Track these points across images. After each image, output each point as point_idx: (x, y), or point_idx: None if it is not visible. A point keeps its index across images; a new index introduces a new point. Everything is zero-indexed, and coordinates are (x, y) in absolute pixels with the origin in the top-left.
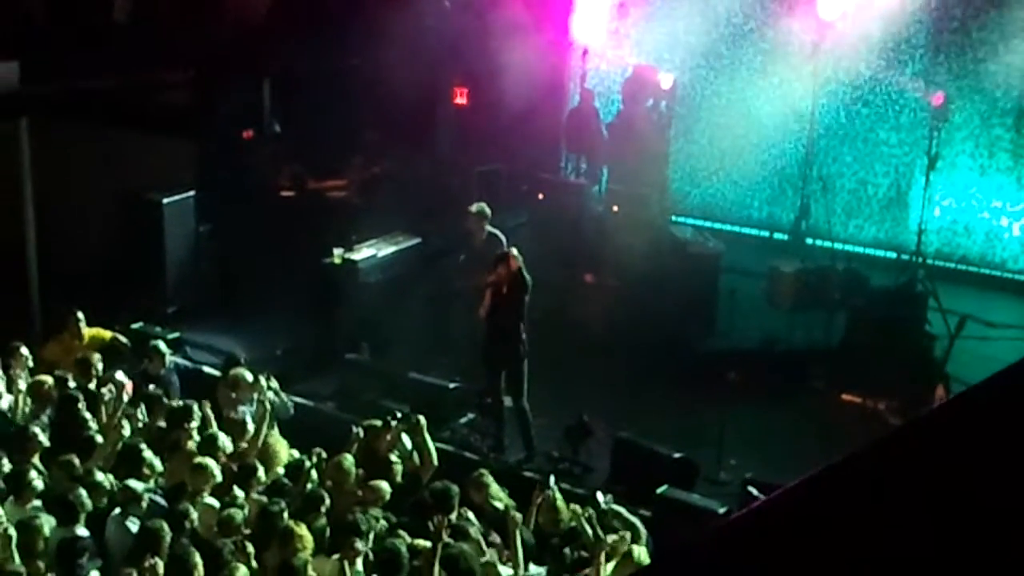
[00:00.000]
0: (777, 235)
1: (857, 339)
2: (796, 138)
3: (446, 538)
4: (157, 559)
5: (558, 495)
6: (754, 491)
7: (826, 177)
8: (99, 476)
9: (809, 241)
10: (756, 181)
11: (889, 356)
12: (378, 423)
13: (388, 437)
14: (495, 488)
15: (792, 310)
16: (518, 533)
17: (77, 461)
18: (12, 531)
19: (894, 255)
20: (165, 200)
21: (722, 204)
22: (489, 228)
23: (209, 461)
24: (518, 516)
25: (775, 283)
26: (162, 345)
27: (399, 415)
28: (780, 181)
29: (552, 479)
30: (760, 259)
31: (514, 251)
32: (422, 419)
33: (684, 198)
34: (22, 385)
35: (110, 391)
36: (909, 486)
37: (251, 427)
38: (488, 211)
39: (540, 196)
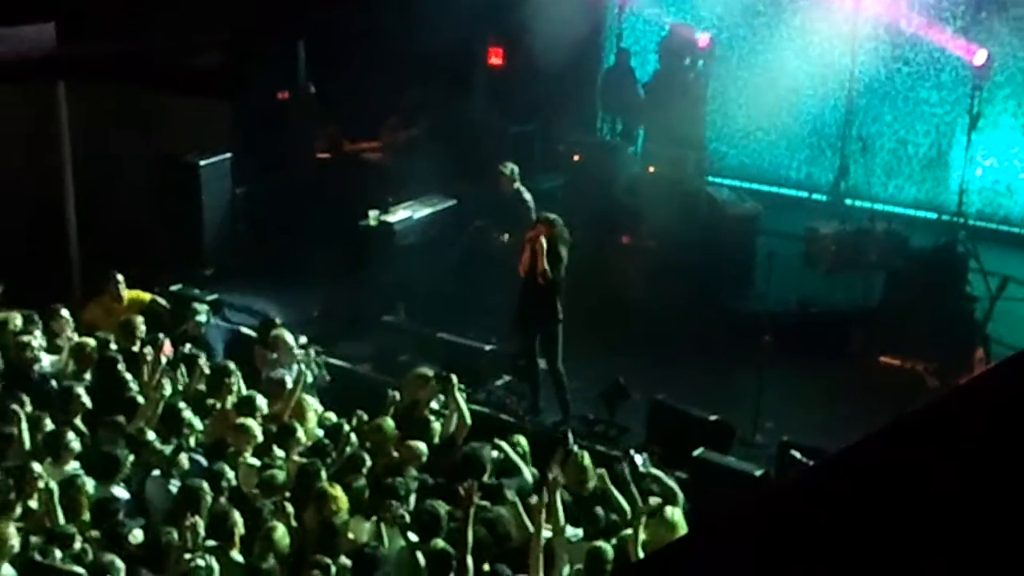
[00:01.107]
0: (815, 196)
1: (896, 301)
2: (835, 97)
3: (479, 501)
4: (197, 518)
5: (586, 457)
6: (796, 455)
7: (866, 137)
8: (146, 436)
9: (848, 202)
10: (794, 141)
11: (929, 318)
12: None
13: (426, 393)
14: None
15: (830, 272)
16: (557, 495)
17: (123, 420)
18: (54, 485)
19: (934, 216)
20: (202, 162)
21: (760, 164)
22: (521, 188)
23: (250, 421)
24: (560, 477)
25: (813, 244)
26: (201, 307)
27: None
28: (819, 141)
29: (571, 438)
30: (798, 220)
31: (551, 215)
32: (454, 378)
33: (721, 158)
34: (64, 346)
35: (151, 353)
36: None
37: (290, 386)
38: (517, 170)
39: (575, 157)
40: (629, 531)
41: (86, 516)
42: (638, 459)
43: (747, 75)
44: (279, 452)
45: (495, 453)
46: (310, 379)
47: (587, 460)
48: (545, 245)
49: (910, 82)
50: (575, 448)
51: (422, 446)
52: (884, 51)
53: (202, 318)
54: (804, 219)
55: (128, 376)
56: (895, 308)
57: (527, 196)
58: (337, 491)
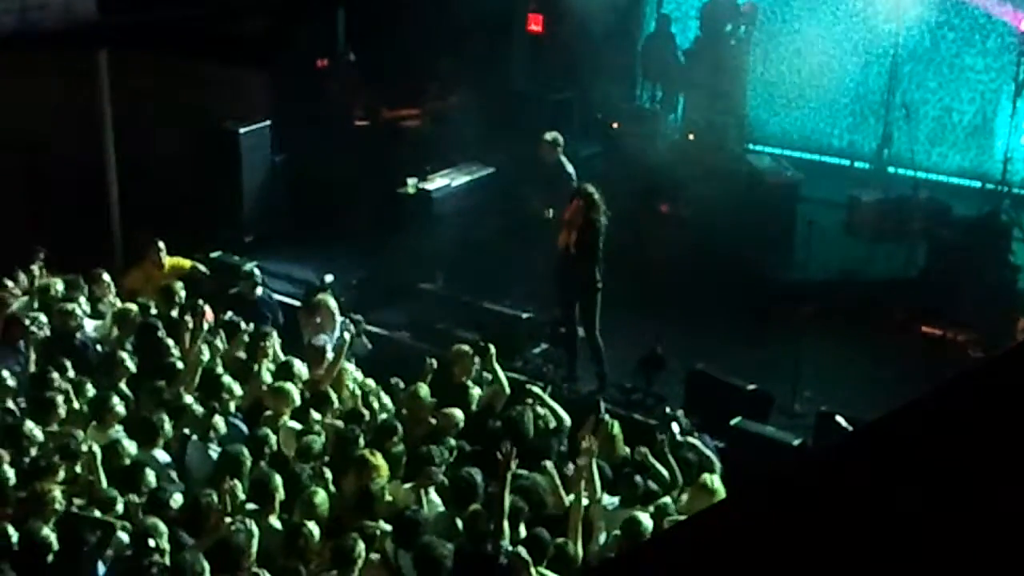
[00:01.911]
0: (858, 164)
1: (938, 270)
2: (879, 64)
3: (515, 468)
4: (236, 481)
5: (615, 425)
6: (841, 422)
7: (909, 104)
8: (185, 400)
9: (891, 170)
10: (837, 108)
11: (971, 287)
12: (452, 352)
13: (462, 366)
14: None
15: (872, 240)
16: (593, 463)
17: (163, 386)
18: (97, 450)
19: (978, 184)
20: (241, 130)
21: (801, 132)
22: (562, 157)
23: (288, 385)
24: (595, 446)
25: (855, 213)
26: (254, 269)
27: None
28: (862, 108)
29: (603, 407)
30: (840, 188)
31: (590, 187)
32: (492, 348)
33: (762, 126)
34: (107, 312)
35: (190, 318)
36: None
37: (330, 355)
38: (561, 139)
39: (614, 125)
40: (667, 499)
41: (127, 480)
42: (675, 426)
43: (790, 41)
44: (316, 416)
45: (528, 401)
46: (350, 346)
47: (616, 429)
48: (582, 218)
49: (955, 48)
50: (606, 417)
51: (459, 414)
52: (929, 17)
53: (256, 279)
54: (846, 187)
55: (169, 342)
56: (937, 277)
57: (568, 166)
58: (378, 459)
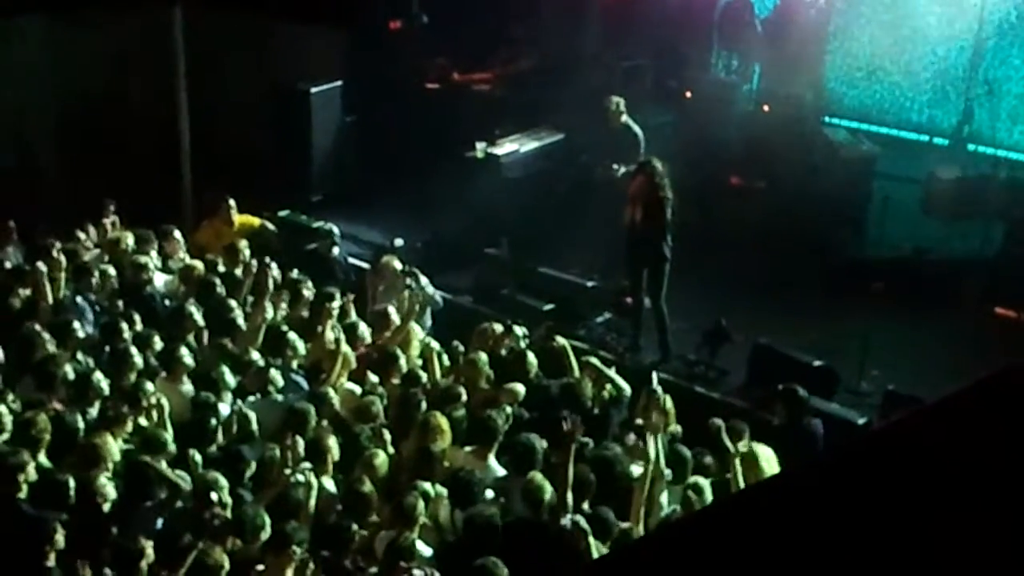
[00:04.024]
0: (937, 140)
1: (1015, 252)
2: (962, 38)
3: (581, 438)
4: (298, 438)
5: (667, 400)
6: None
7: (992, 81)
8: (250, 356)
9: (971, 147)
10: (917, 82)
11: None
12: (500, 328)
13: (507, 340)
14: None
15: (949, 219)
16: (658, 438)
17: (227, 342)
18: (165, 402)
19: None
20: (313, 90)
21: (880, 105)
22: (630, 122)
23: (345, 347)
24: (659, 421)
25: (932, 190)
26: (332, 228)
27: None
28: (943, 83)
29: (655, 379)
30: (917, 165)
31: (654, 161)
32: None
33: (840, 98)
34: (176, 267)
35: (256, 275)
36: None
37: (395, 318)
38: (623, 104)
39: (688, 94)
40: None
41: (192, 433)
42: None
43: (871, 12)
44: (373, 379)
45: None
46: (422, 305)
47: (668, 403)
48: (647, 193)
49: None
50: (658, 390)
51: (519, 387)
52: None
53: (335, 238)
54: (924, 164)
55: (232, 301)
56: (1014, 259)
57: (637, 130)
58: (442, 422)
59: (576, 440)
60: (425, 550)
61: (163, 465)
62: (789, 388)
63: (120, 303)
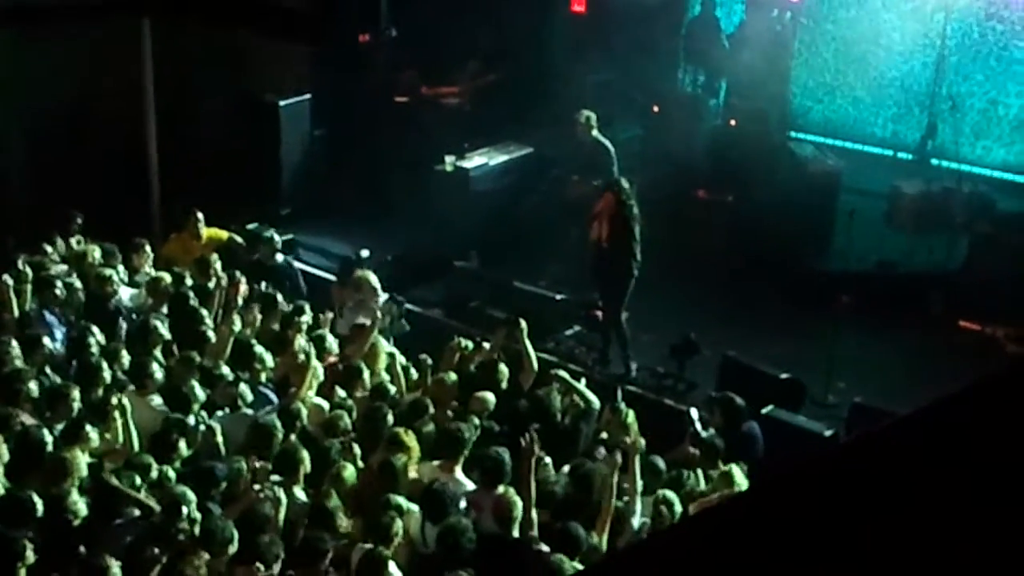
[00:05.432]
0: (901, 155)
1: (979, 265)
2: (925, 54)
3: (538, 451)
4: (265, 453)
5: (630, 413)
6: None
7: (955, 96)
8: (219, 370)
9: (935, 162)
10: (881, 98)
11: (1012, 283)
12: (470, 344)
13: (484, 352)
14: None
15: (913, 233)
16: (636, 460)
17: (196, 355)
18: (129, 414)
19: (1023, 179)
20: (282, 103)
21: (844, 121)
22: (599, 136)
23: (314, 361)
24: (641, 442)
25: (896, 204)
26: (273, 234)
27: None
28: (907, 99)
29: (620, 394)
30: (882, 179)
31: (621, 181)
32: (523, 322)
33: (805, 113)
34: (143, 281)
35: (224, 289)
36: None
37: (375, 334)
38: (594, 118)
39: (655, 108)
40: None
41: (160, 447)
42: (694, 412)
43: (835, 29)
44: (341, 393)
45: (556, 385)
46: (390, 325)
47: (631, 418)
48: (613, 211)
49: (1003, 41)
50: (622, 406)
51: (490, 397)
52: (978, 8)
53: (277, 245)
54: (888, 178)
55: (203, 312)
56: (978, 272)
57: (607, 144)
58: (410, 439)
59: (535, 454)
60: (396, 572)
61: (136, 479)
62: (725, 395)
63: (85, 316)
